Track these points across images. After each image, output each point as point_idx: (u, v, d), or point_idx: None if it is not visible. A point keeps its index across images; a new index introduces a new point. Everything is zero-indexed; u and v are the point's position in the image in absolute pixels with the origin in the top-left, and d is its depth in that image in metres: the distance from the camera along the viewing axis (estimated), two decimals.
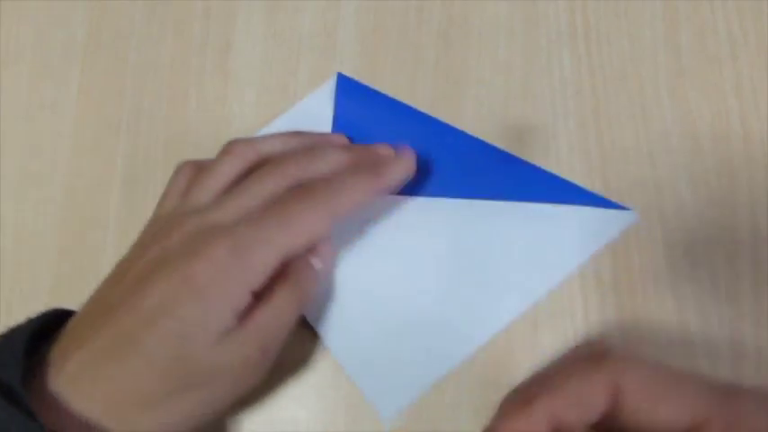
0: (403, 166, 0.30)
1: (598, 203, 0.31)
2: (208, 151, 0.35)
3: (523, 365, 0.31)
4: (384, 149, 0.31)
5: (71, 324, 0.26)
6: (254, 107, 0.35)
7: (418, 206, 0.32)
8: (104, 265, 0.32)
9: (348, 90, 0.34)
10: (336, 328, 0.31)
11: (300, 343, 0.32)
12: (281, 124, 0.34)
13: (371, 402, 0.30)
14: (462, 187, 0.32)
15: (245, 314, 0.26)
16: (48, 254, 0.34)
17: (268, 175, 0.28)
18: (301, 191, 0.27)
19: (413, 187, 0.32)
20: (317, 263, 0.29)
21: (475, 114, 0.34)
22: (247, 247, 0.25)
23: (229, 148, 0.29)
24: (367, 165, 0.29)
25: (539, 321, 0.31)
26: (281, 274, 0.27)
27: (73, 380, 0.24)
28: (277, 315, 0.26)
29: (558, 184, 0.32)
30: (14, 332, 0.25)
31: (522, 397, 0.20)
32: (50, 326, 0.26)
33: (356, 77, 0.35)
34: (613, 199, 0.32)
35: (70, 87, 0.36)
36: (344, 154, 0.30)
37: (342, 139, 0.33)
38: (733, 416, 0.18)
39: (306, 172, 0.28)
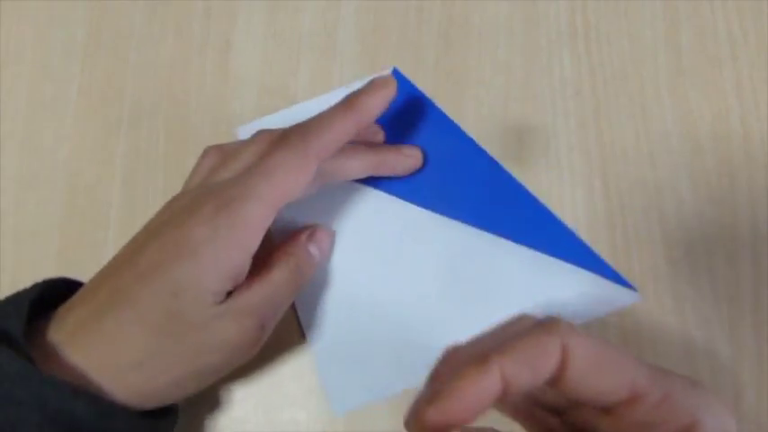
0: (377, 92, 0.28)
1: (606, 275, 0.31)
2: None
3: None
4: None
5: (81, 288, 0.27)
6: (254, 107, 0.35)
7: (429, 221, 0.32)
8: None
9: (398, 87, 0.34)
10: (317, 316, 0.31)
11: (301, 345, 0.32)
12: (325, 102, 0.34)
13: (326, 392, 0.30)
14: (479, 216, 0.32)
15: (244, 287, 0.26)
16: (48, 254, 0.34)
17: (281, 146, 0.28)
18: (277, 141, 0.27)
19: (430, 200, 0.32)
20: (314, 251, 0.30)
21: (475, 114, 0.34)
22: (233, 204, 0.25)
23: (257, 135, 0.29)
24: (342, 101, 0.29)
25: None
26: (281, 254, 0.28)
27: (72, 334, 0.24)
28: (275, 293, 0.27)
29: (573, 244, 0.31)
30: (21, 292, 0.26)
31: (474, 356, 0.19)
32: (60, 295, 0.27)
33: (356, 77, 0.35)
34: (613, 199, 0.32)
35: (70, 87, 0.36)
36: (369, 156, 0.30)
37: (373, 131, 0.33)
38: (667, 391, 0.19)
39: (336, 164, 0.29)
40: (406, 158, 0.32)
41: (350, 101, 0.28)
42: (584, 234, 0.32)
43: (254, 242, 0.26)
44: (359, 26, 0.36)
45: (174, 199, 0.28)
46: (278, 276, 0.27)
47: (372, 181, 0.32)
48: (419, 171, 0.32)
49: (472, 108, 0.34)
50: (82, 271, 0.28)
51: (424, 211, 0.32)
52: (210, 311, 0.25)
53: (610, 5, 0.35)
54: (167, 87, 0.36)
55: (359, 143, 0.31)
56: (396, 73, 0.34)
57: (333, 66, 0.35)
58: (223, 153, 0.29)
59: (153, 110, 0.36)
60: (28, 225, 0.35)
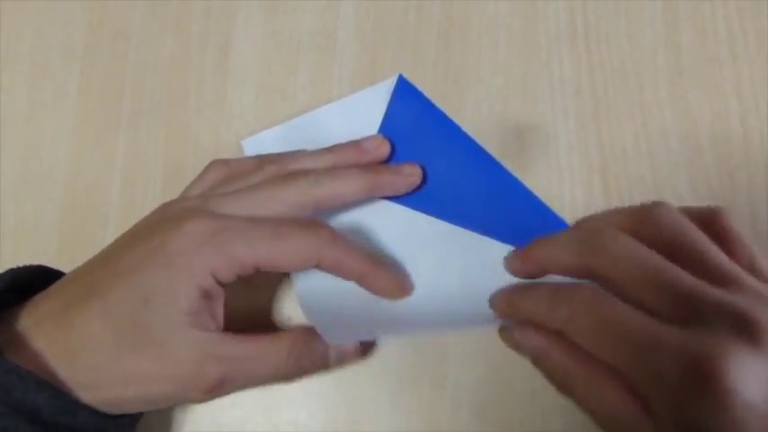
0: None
1: None
2: (207, 151, 0.35)
3: (523, 365, 0.31)
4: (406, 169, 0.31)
5: (60, 280, 0.27)
6: (254, 107, 0.35)
7: (435, 229, 0.31)
8: None
9: (405, 94, 0.33)
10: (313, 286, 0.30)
11: None
12: (331, 112, 0.34)
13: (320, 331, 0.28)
14: (488, 225, 0.31)
15: (232, 336, 0.26)
16: (48, 254, 0.34)
17: (285, 187, 0.28)
18: (310, 223, 0.27)
19: (437, 209, 0.31)
20: (333, 357, 0.29)
21: (475, 114, 0.34)
22: (230, 236, 0.25)
23: (265, 158, 0.30)
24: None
25: None
26: (296, 338, 0.27)
27: (40, 323, 0.25)
28: (257, 365, 0.26)
29: None
30: None
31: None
32: (36, 285, 0.27)
33: (356, 77, 0.35)
34: (613, 198, 0.32)
35: (70, 87, 0.36)
36: (362, 179, 0.29)
37: (378, 143, 0.32)
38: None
39: (324, 190, 0.28)
40: (404, 178, 0.31)
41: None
42: None
43: (227, 274, 0.25)
44: (358, 26, 0.36)
45: (169, 204, 0.28)
46: (270, 359, 0.27)
47: None
48: (430, 180, 0.32)
49: (472, 108, 0.34)
50: None
51: (427, 217, 0.31)
52: (176, 331, 0.24)
53: (609, 5, 0.35)
54: (167, 87, 0.36)
55: (354, 166, 0.31)
56: (401, 80, 0.33)
57: (332, 66, 0.35)
58: (229, 169, 0.29)
59: (152, 110, 0.36)
60: (28, 225, 0.35)
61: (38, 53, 0.37)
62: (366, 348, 0.30)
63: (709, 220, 0.22)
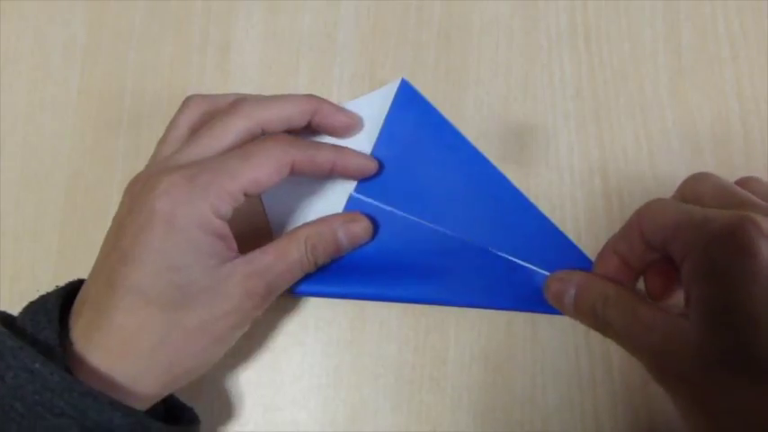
0: (363, 163, 0.31)
1: None
2: None
3: (523, 366, 0.31)
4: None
5: (81, 290, 0.27)
6: None
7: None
8: None
9: (407, 98, 0.33)
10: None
11: (300, 345, 0.32)
12: None
13: None
14: (485, 234, 0.31)
15: (258, 252, 0.27)
16: (48, 254, 0.34)
17: (229, 116, 0.28)
18: (265, 137, 0.28)
19: (434, 215, 0.31)
20: (342, 239, 0.30)
21: (475, 114, 0.34)
22: (208, 175, 0.26)
23: (186, 101, 0.30)
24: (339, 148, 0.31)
25: (538, 321, 0.31)
26: (306, 231, 0.28)
27: (87, 337, 0.25)
28: (285, 267, 0.28)
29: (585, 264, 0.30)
30: (46, 298, 0.26)
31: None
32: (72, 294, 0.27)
33: (356, 77, 0.35)
34: (613, 199, 0.32)
35: (70, 87, 0.36)
36: (303, 100, 0.30)
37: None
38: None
39: (267, 111, 0.28)
40: (344, 115, 0.31)
41: (341, 149, 0.30)
42: (583, 234, 0.32)
43: (229, 208, 0.26)
44: (359, 26, 0.36)
45: (134, 182, 0.27)
46: (293, 254, 0.28)
47: (376, 194, 0.32)
48: (428, 187, 0.32)
49: (472, 108, 0.34)
50: (82, 271, 0.28)
51: (427, 223, 0.31)
52: (216, 272, 0.26)
53: (610, 5, 0.35)
54: (167, 87, 0.36)
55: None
56: (404, 84, 0.33)
57: (332, 65, 0.35)
58: (208, 113, 0.29)
59: (153, 110, 0.36)
60: (28, 225, 0.35)
61: (38, 53, 0.37)
62: (373, 227, 0.31)
63: (740, 182, 0.26)
